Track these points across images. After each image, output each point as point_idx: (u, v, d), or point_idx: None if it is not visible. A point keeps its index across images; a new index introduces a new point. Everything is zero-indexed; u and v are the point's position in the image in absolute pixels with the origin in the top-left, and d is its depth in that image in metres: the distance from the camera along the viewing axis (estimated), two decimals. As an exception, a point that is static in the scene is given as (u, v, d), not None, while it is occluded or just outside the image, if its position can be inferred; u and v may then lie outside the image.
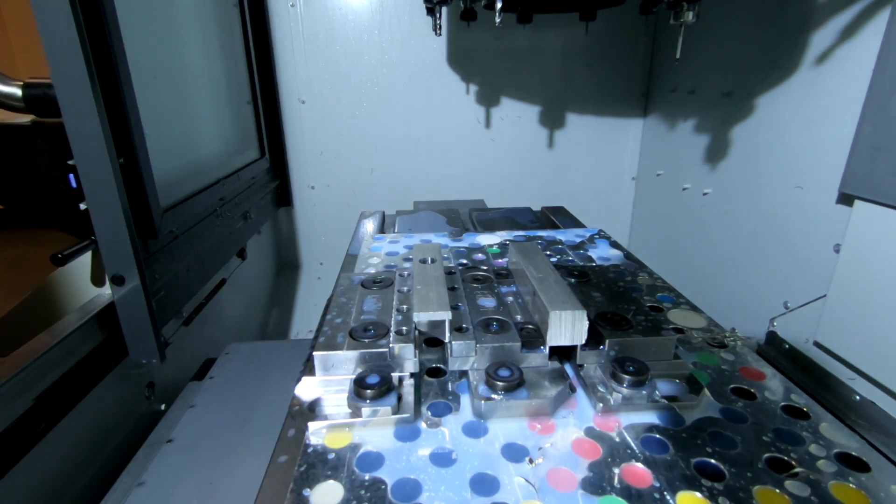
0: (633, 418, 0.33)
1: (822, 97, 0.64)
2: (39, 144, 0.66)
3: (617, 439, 0.31)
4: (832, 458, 0.30)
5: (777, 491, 0.27)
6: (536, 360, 0.36)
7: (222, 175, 0.81)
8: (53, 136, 0.66)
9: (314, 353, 0.35)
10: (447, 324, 0.36)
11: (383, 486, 0.27)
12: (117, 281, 0.54)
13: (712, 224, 0.89)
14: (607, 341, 0.35)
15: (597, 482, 0.28)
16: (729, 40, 0.83)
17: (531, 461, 0.29)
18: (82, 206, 0.51)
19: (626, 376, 0.33)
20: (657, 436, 0.31)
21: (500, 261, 0.56)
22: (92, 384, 0.55)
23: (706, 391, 0.35)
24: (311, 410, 0.33)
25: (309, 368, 0.36)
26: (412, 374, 0.35)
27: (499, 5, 0.63)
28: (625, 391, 0.33)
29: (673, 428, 0.32)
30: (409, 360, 0.35)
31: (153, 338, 0.57)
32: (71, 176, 0.50)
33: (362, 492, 0.27)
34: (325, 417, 0.32)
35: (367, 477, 0.28)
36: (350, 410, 0.32)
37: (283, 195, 1.14)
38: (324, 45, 1.06)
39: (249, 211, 0.91)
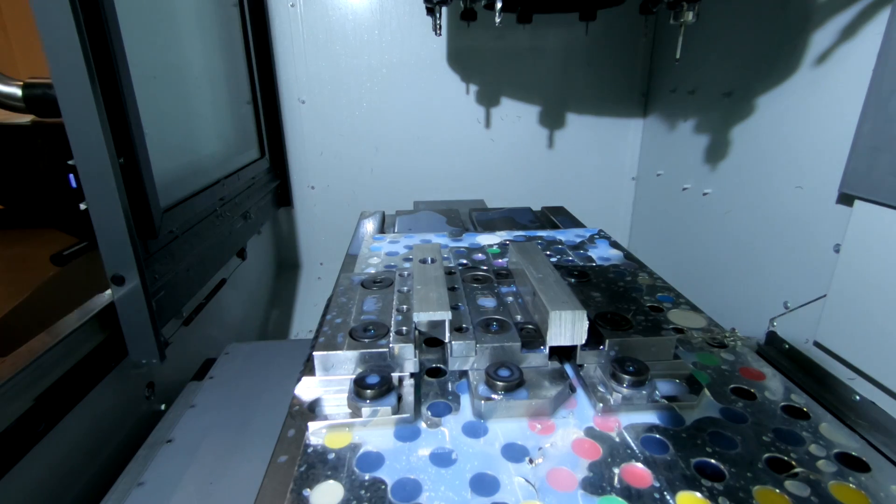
0: (633, 418, 0.33)
1: (822, 97, 0.64)
2: (39, 144, 0.66)
3: (617, 439, 0.31)
4: (832, 458, 0.30)
5: (777, 491, 0.27)
6: (536, 360, 0.36)
7: (222, 175, 0.81)
8: (53, 136, 0.66)
9: (314, 353, 0.35)
10: (447, 324, 0.36)
11: (383, 486, 0.27)
12: (117, 281, 0.54)
13: (712, 224, 0.89)
14: (607, 341, 0.35)
15: (597, 482, 0.28)
16: (729, 40, 0.83)
17: (531, 461, 0.29)
18: (82, 206, 0.51)
19: (626, 376, 0.33)
20: (657, 436, 0.31)
21: (500, 261, 0.56)
22: (92, 384, 0.55)
23: (706, 391, 0.35)
24: (311, 410, 0.33)
25: (309, 368, 0.36)
26: (412, 374, 0.35)
27: (499, 5, 0.63)
28: (625, 391, 0.33)
29: (673, 428, 0.32)
30: (409, 360, 0.35)
31: (153, 338, 0.57)
32: (71, 176, 0.50)
33: (362, 492, 0.27)
34: (325, 417, 0.32)
35: (367, 477, 0.28)
36: (350, 410, 0.32)
37: (283, 195, 1.14)
38: (324, 45, 1.06)
39: (249, 211, 0.91)
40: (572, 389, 0.35)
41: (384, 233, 0.72)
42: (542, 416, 0.33)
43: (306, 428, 0.32)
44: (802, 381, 0.60)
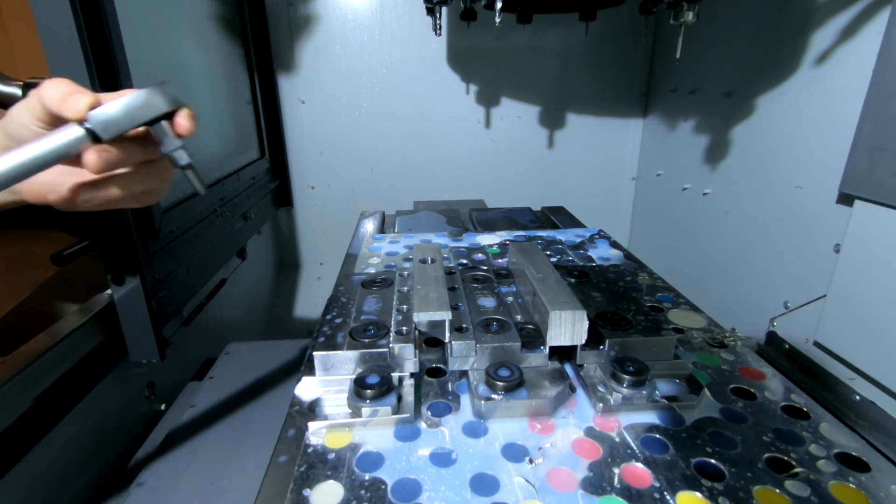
0: (633, 418, 0.33)
1: (822, 97, 0.64)
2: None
3: (617, 439, 0.31)
4: (832, 458, 0.30)
5: (777, 491, 0.27)
6: (536, 360, 0.36)
7: (222, 175, 0.81)
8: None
9: (314, 353, 0.35)
10: (447, 324, 0.36)
11: (383, 486, 0.27)
12: (117, 281, 0.54)
13: (712, 224, 0.89)
14: (607, 341, 0.35)
15: (597, 482, 0.28)
16: (729, 40, 0.83)
17: (531, 461, 0.29)
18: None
19: (626, 376, 0.33)
20: (657, 436, 0.31)
21: (500, 261, 0.56)
22: (92, 384, 0.55)
23: (706, 391, 0.35)
24: (311, 410, 0.33)
25: (309, 368, 0.36)
26: (412, 374, 0.35)
27: (499, 5, 0.63)
28: (625, 391, 0.33)
29: (673, 428, 0.32)
30: (409, 360, 0.35)
31: (153, 338, 0.57)
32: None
33: (362, 492, 0.27)
34: (325, 417, 0.32)
35: (367, 477, 0.28)
36: (350, 410, 0.32)
37: (283, 195, 1.14)
38: (323, 45, 1.06)
39: (249, 211, 0.90)
40: (572, 389, 0.35)
41: (384, 233, 0.72)
42: (542, 416, 0.33)
43: (306, 428, 0.32)
44: (802, 381, 0.60)
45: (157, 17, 0.64)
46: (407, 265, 0.54)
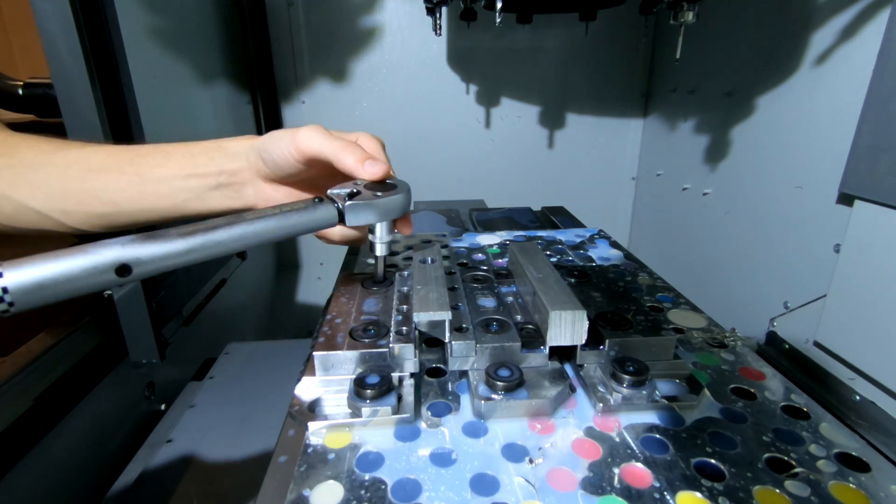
0: (633, 418, 0.33)
1: (822, 97, 0.64)
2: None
3: (617, 439, 0.31)
4: (832, 458, 0.30)
5: (777, 491, 0.27)
6: (536, 360, 0.36)
7: (222, 175, 0.81)
8: (53, 135, 0.66)
9: (314, 353, 0.35)
10: (447, 324, 0.36)
11: (383, 486, 0.27)
12: (117, 281, 0.54)
13: (712, 224, 0.89)
14: (607, 341, 0.35)
15: (597, 482, 0.28)
16: (729, 40, 0.83)
17: (531, 461, 0.29)
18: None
19: (626, 376, 0.33)
20: (657, 436, 0.31)
21: (500, 261, 0.56)
22: (92, 384, 0.55)
23: (706, 391, 0.35)
24: (311, 410, 0.33)
25: (309, 368, 0.36)
26: (412, 374, 0.35)
27: (499, 5, 0.63)
28: (625, 391, 0.33)
29: (673, 428, 0.32)
30: (409, 360, 0.35)
31: (153, 338, 0.57)
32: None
33: (362, 492, 0.27)
34: (325, 417, 0.32)
35: (367, 477, 0.28)
36: (350, 410, 0.32)
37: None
38: (323, 45, 1.06)
39: (249, 211, 0.90)
40: (572, 389, 0.35)
41: (384, 233, 0.72)
42: (542, 416, 0.33)
43: (306, 428, 0.32)
44: (802, 381, 0.60)
45: (156, 16, 0.64)
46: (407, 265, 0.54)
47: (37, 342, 0.51)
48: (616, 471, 0.28)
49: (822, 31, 0.64)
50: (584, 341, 0.35)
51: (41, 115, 0.81)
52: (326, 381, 0.35)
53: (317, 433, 0.31)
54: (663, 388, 0.35)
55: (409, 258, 0.49)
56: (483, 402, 0.32)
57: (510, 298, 0.43)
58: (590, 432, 0.32)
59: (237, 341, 0.76)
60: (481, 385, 0.34)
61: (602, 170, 1.18)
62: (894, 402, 0.51)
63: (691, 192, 0.95)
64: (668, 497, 0.27)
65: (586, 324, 0.35)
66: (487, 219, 0.77)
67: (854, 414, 0.54)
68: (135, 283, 0.54)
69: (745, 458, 0.29)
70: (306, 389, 0.35)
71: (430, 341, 0.39)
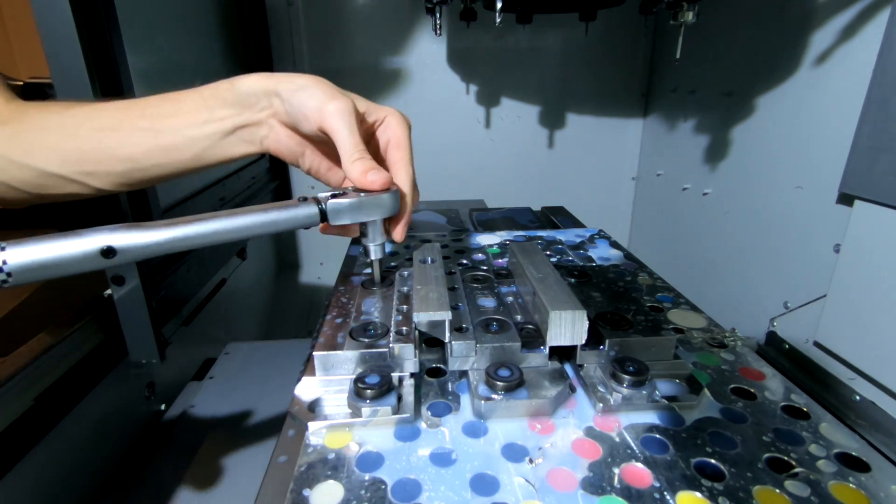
0: (633, 418, 0.33)
1: (822, 97, 0.64)
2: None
3: (617, 439, 0.31)
4: (832, 458, 0.30)
5: (777, 491, 0.27)
6: (536, 360, 0.36)
7: (222, 175, 0.81)
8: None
9: (314, 353, 0.35)
10: (447, 324, 0.36)
11: (383, 486, 0.27)
12: (117, 281, 0.54)
13: (712, 224, 0.89)
14: (607, 341, 0.35)
15: (597, 482, 0.28)
16: (729, 40, 0.83)
17: (531, 461, 0.29)
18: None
19: (626, 376, 0.33)
20: (657, 436, 0.31)
21: (500, 261, 0.56)
22: (92, 384, 0.55)
23: (706, 391, 0.35)
24: (311, 410, 0.33)
25: (309, 368, 0.36)
26: (412, 374, 0.35)
27: (499, 5, 0.63)
28: (625, 391, 0.33)
29: (673, 428, 0.32)
30: (409, 360, 0.35)
31: (153, 338, 0.57)
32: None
33: (362, 492, 0.27)
34: (325, 417, 0.32)
35: (367, 477, 0.28)
36: (350, 410, 0.32)
37: (283, 195, 1.14)
38: (323, 45, 1.06)
39: (249, 211, 0.90)
40: (572, 389, 0.35)
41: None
42: (542, 416, 0.33)
43: (306, 428, 0.32)
44: (802, 381, 0.60)
45: (156, 16, 0.64)
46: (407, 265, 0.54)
47: (37, 342, 0.51)
48: (616, 471, 0.28)
49: (822, 31, 0.64)
50: (584, 341, 0.35)
51: (41, 115, 0.81)
52: (326, 381, 0.35)
53: (317, 433, 0.31)
54: (663, 388, 0.35)
55: (410, 258, 0.49)
56: (483, 402, 0.32)
57: (510, 298, 0.43)
58: (590, 432, 0.32)
59: (237, 341, 0.76)
60: (481, 385, 0.34)
61: (602, 170, 1.18)
62: (894, 402, 0.51)
63: (691, 192, 0.95)
64: (668, 497, 0.27)
65: (586, 324, 0.35)
66: (487, 219, 0.77)
67: (854, 414, 0.54)
68: (136, 289, 0.54)
69: (745, 458, 0.29)
70: (306, 389, 0.35)
71: (430, 341, 0.39)
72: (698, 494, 0.27)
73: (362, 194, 0.36)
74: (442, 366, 0.38)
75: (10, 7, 1.14)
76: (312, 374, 0.35)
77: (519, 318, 0.40)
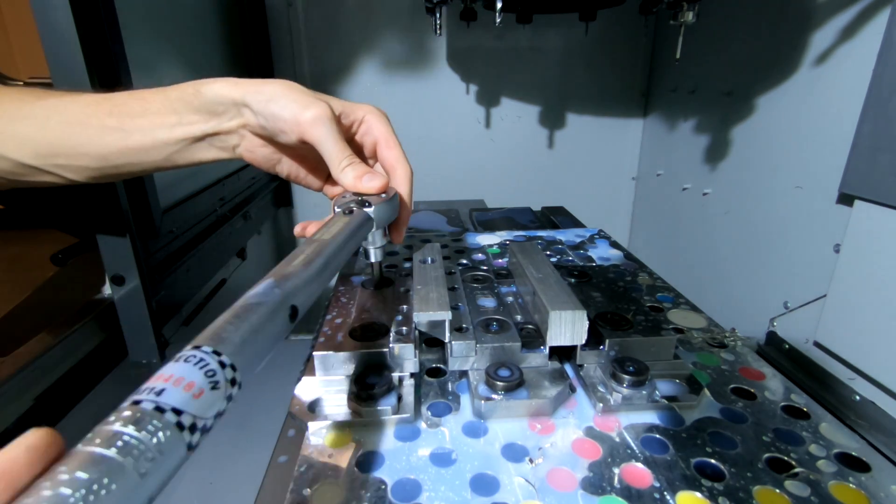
0: (633, 418, 0.33)
1: (822, 97, 0.64)
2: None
3: (617, 439, 0.31)
4: (832, 458, 0.30)
5: (777, 491, 0.27)
6: (536, 360, 0.36)
7: (222, 175, 0.81)
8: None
9: (314, 353, 0.35)
10: (447, 324, 0.36)
11: (383, 486, 0.27)
12: (117, 281, 0.54)
13: (712, 224, 0.89)
14: (607, 341, 0.35)
15: (597, 482, 0.28)
16: (729, 40, 0.83)
17: (531, 461, 0.29)
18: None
19: (626, 376, 0.33)
20: (657, 436, 0.31)
21: (500, 261, 0.56)
22: (92, 384, 0.55)
23: (706, 391, 0.35)
24: (311, 410, 0.33)
25: (309, 368, 0.36)
26: (412, 374, 0.35)
27: (499, 5, 0.63)
28: (625, 391, 0.33)
29: (673, 428, 0.32)
30: (409, 360, 0.35)
31: (153, 338, 0.57)
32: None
33: (362, 492, 0.27)
34: (325, 417, 0.32)
35: (367, 477, 0.28)
36: (350, 410, 0.32)
37: (282, 195, 1.14)
38: (323, 45, 1.06)
39: (249, 211, 0.91)
40: (572, 389, 0.35)
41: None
42: (542, 416, 0.33)
43: (306, 428, 0.32)
44: (802, 381, 0.60)
45: (156, 17, 0.64)
46: (407, 265, 0.54)
47: (37, 342, 0.51)
48: (616, 471, 0.28)
49: (822, 31, 0.64)
50: (584, 341, 0.35)
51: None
52: (326, 381, 0.35)
53: (317, 433, 0.31)
54: (663, 388, 0.35)
55: (410, 258, 0.49)
56: (483, 402, 0.32)
57: (510, 298, 0.43)
58: (590, 432, 0.32)
59: (237, 341, 0.76)
60: (481, 385, 0.34)
61: (602, 170, 1.18)
62: (894, 402, 0.51)
63: (691, 192, 0.95)
64: (668, 497, 0.27)
65: (586, 324, 0.35)
66: (487, 219, 0.77)
67: (854, 414, 0.54)
68: (136, 289, 0.54)
69: (745, 458, 0.29)
70: (306, 389, 0.35)
71: (430, 341, 0.39)
72: (698, 494, 0.27)
73: (359, 198, 0.36)
74: (442, 366, 0.38)
75: (10, 7, 1.14)
76: (312, 374, 0.35)
77: (519, 318, 0.40)
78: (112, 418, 0.15)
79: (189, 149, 0.37)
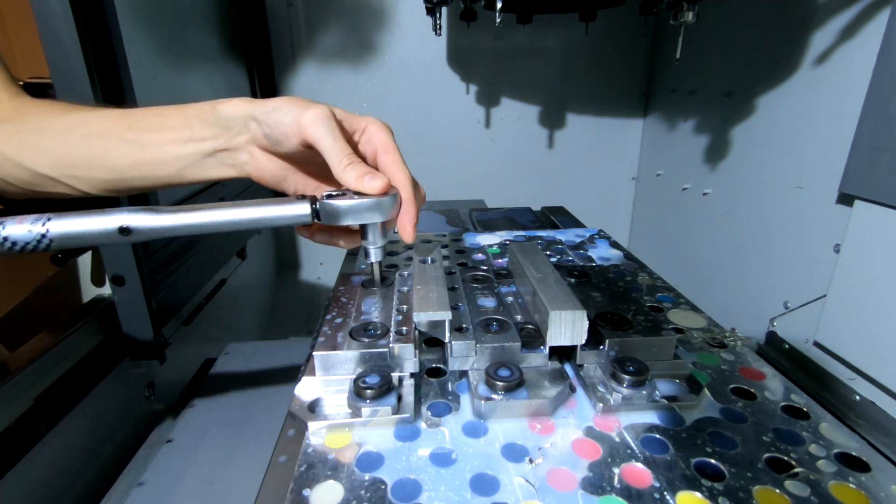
0: (633, 418, 0.33)
1: (822, 97, 0.64)
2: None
3: (617, 439, 0.31)
4: (832, 458, 0.30)
5: (777, 491, 0.27)
6: (536, 360, 0.36)
7: (222, 175, 0.81)
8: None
9: (314, 353, 0.35)
10: (447, 324, 0.36)
11: (383, 486, 0.27)
12: (117, 281, 0.54)
13: (712, 224, 0.89)
14: (607, 341, 0.35)
15: (597, 482, 0.28)
16: (729, 40, 0.83)
17: (531, 461, 0.29)
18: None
19: (626, 376, 0.33)
20: (657, 436, 0.31)
21: (500, 261, 0.56)
22: (92, 384, 0.55)
23: (706, 391, 0.35)
24: (311, 410, 0.33)
25: (309, 368, 0.36)
26: (412, 374, 0.35)
27: (499, 5, 0.63)
28: (625, 391, 0.33)
29: (673, 428, 0.32)
30: (409, 360, 0.35)
31: (153, 338, 0.57)
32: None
33: (362, 492, 0.27)
34: (325, 417, 0.32)
35: (367, 477, 0.28)
36: (350, 410, 0.32)
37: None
38: (323, 45, 1.06)
39: (249, 211, 0.90)
40: (572, 389, 0.35)
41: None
42: (542, 416, 0.33)
43: (306, 428, 0.32)
44: (802, 381, 0.60)
45: (157, 17, 0.64)
46: (407, 265, 0.54)
47: (37, 342, 0.51)
48: (616, 471, 0.28)
49: (822, 31, 0.64)
50: (584, 341, 0.35)
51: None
52: (326, 381, 0.35)
53: (317, 433, 0.31)
54: (663, 388, 0.35)
55: (410, 258, 0.49)
56: (483, 402, 0.32)
57: (510, 298, 0.43)
58: (590, 432, 0.32)
59: (237, 341, 0.76)
60: (481, 385, 0.34)
61: (602, 170, 1.18)
62: (894, 402, 0.51)
63: (691, 192, 0.95)
64: (668, 497, 0.27)
65: (586, 324, 0.35)
66: (487, 219, 0.77)
67: (854, 414, 0.54)
68: (136, 289, 0.54)
69: (745, 458, 0.29)
70: (306, 389, 0.35)
71: (430, 341, 0.39)
72: (698, 494, 0.27)
73: (362, 197, 0.36)
74: (442, 366, 0.38)
75: (10, 7, 1.14)
76: (312, 374, 0.35)
77: (519, 318, 0.40)
78: None
79: (199, 164, 0.38)
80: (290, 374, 0.68)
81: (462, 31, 1.04)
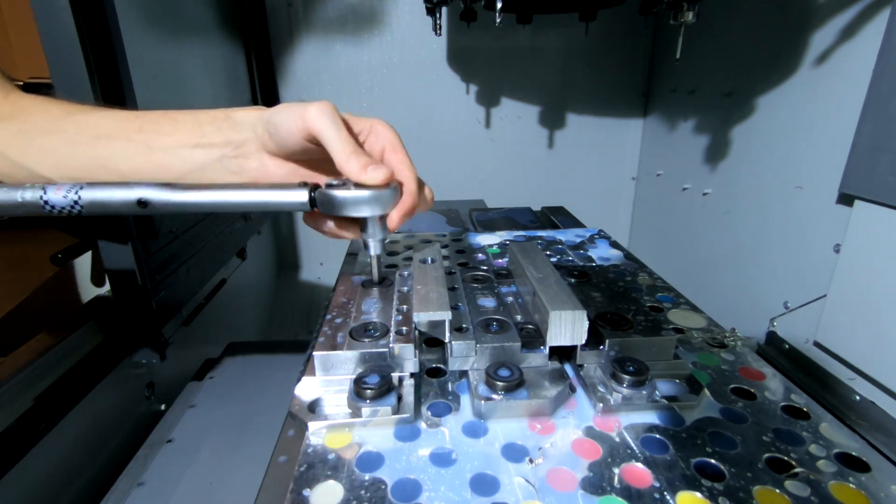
0: (633, 418, 0.33)
1: (822, 97, 0.64)
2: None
3: (617, 439, 0.31)
4: (832, 458, 0.30)
5: (777, 491, 0.27)
6: (536, 360, 0.36)
7: (222, 175, 0.81)
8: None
9: (314, 353, 0.35)
10: (447, 324, 0.36)
11: (383, 486, 0.27)
12: (117, 281, 0.54)
13: (712, 224, 0.89)
14: (607, 341, 0.35)
15: (597, 482, 0.28)
16: (729, 40, 0.83)
17: (531, 461, 0.29)
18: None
19: (626, 376, 0.33)
20: (657, 436, 0.31)
21: (500, 261, 0.56)
22: (92, 384, 0.55)
23: (706, 391, 0.35)
24: (311, 410, 0.33)
25: (309, 368, 0.36)
26: (412, 374, 0.35)
27: (499, 5, 0.63)
28: (625, 391, 0.33)
29: (673, 428, 0.32)
30: (409, 360, 0.35)
31: (153, 338, 0.57)
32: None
33: (362, 492, 0.27)
34: (325, 417, 0.32)
35: (367, 477, 0.28)
36: (350, 410, 0.32)
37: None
38: (323, 45, 1.06)
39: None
40: (572, 389, 0.35)
41: (384, 233, 0.72)
42: (542, 416, 0.33)
43: (306, 428, 0.32)
44: (802, 381, 0.60)
45: (157, 17, 0.64)
46: (407, 265, 0.54)
47: (37, 342, 0.51)
48: (616, 471, 0.28)
49: (822, 31, 0.64)
50: (584, 341, 0.35)
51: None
52: (326, 381, 0.35)
53: (317, 433, 0.31)
54: (663, 388, 0.35)
55: (410, 258, 0.49)
56: (483, 402, 0.32)
57: (510, 298, 0.43)
58: (590, 432, 0.32)
59: (237, 341, 0.76)
60: (481, 385, 0.34)
61: (602, 170, 1.18)
62: (894, 402, 0.51)
63: (691, 192, 0.95)
64: (668, 497, 0.27)
65: (586, 324, 0.35)
66: (487, 219, 0.77)
67: (854, 414, 0.54)
68: (136, 289, 0.54)
69: (745, 458, 0.29)
70: (306, 389, 0.35)
71: (430, 341, 0.39)
72: (698, 494, 0.27)
73: (361, 188, 0.36)
74: (442, 366, 0.38)
75: (10, 7, 1.14)
76: (312, 374, 0.35)
77: (519, 318, 0.40)
78: None
79: (202, 169, 0.37)
80: (290, 374, 0.68)
81: (462, 31, 1.04)
